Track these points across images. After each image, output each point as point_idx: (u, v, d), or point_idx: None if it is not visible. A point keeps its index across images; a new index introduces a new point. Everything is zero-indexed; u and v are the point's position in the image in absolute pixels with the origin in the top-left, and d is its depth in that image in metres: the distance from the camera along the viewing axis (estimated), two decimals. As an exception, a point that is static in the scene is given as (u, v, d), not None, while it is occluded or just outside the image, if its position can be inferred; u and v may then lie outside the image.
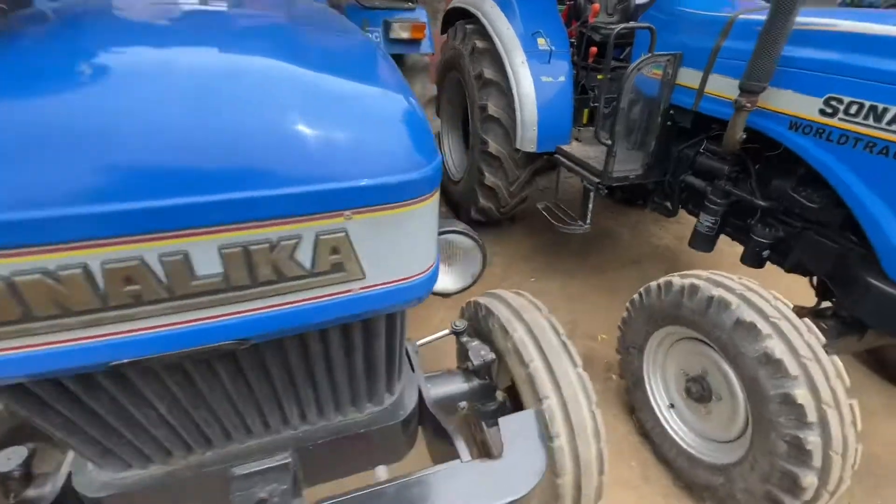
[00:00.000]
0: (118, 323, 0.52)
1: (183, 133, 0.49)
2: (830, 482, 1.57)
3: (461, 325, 1.87)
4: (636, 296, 2.30)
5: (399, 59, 3.28)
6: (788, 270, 2.36)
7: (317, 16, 1.22)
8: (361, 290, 0.64)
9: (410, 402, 1.24)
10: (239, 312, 0.58)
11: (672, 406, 2.26)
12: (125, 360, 0.53)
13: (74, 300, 0.49)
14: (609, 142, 2.79)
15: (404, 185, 0.60)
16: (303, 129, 0.55)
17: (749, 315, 1.70)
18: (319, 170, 0.54)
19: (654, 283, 2.18)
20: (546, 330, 1.68)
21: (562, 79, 3.29)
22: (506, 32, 3.31)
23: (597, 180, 2.95)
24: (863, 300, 1.88)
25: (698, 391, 2.03)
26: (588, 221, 3.11)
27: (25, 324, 0.48)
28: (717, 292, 1.83)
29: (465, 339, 1.85)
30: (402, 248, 0.65)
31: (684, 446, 2.13)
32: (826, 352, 1.62)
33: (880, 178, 1.76)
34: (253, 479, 1.05)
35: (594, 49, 3.53)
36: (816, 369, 1.56)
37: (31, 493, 1.31)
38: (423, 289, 0.71)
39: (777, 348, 1.60)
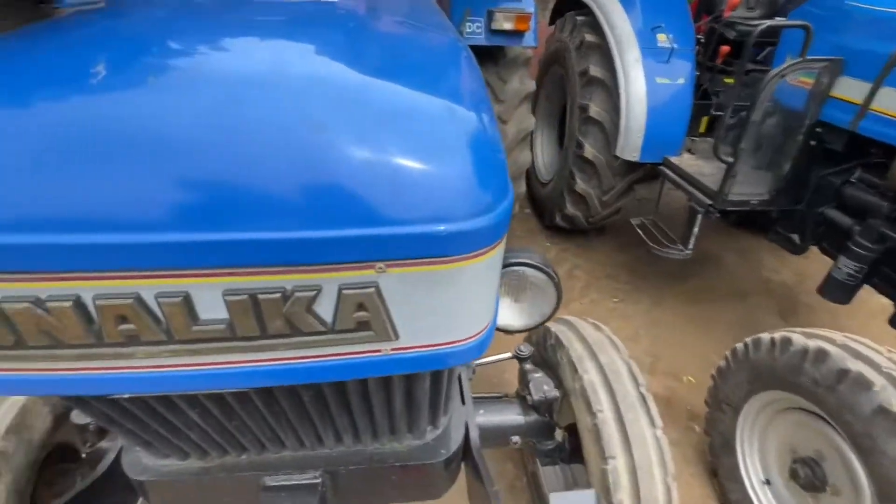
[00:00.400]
0: (115, 359, 0.47)
1: (188, 157, 0.40)
2: None
3: (526, 350, 1.71)
4: (740, 346, 1.94)
5: (500, 51, 3.11)
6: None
7: (403, 7, 1.12)
8: (393, 352, 0.53)
9: (455, 440, 1.12)
10: (247, 362, 0.49)
11: (768, 483, 1.90)
12: (125, 395, 0.48)
13: (66, 333, 0.43)
14: (730, 159, 2.38)
15: (457, 235, 0.46)
16: (333, 155, 0.43)
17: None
18: (347, 210, 0.42)
19: (766, 336, 1.82)
20: (623, 376, 1.45)
21: (681, 81, 2.89)
22: (621, 26, 2.98)
23: (708, 202, 2.55)
24: None
25: (808, 477, 1.67)
26: (690, 247, 2.73)
27: (19, 350, 0.43)
28: (855, 366, 1.45)
29: (528, 367, 1.68)
30: (449, 309, 0.51)
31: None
32: None
33: None
34: (281, 493, 1.01)
35: (726, 48, 3.06)
36: None
37: (103, 444, 1.42)
38: (471, 354, 0.57)
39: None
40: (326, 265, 0.44)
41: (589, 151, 3.26)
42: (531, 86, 3.13)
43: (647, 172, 3.21)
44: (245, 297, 0.44)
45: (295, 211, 0.42)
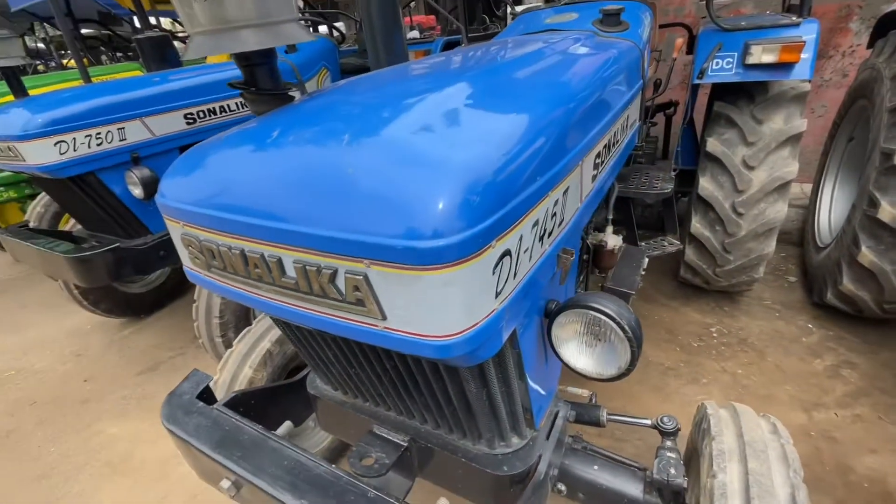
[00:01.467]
0: (254, 287, 0.84)
1: (287, 191, 0.74)
2: None
3: (670, 423, 1.52)
4: None
5: (760, 87, 2.68)
6: None
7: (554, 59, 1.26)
8: (386, 329, 0.72)
9: (522, 465, 1.16)
10: (306, 308, 0.78)
11: None
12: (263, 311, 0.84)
13: (237, 267, 0.82)
14: None
15: (420, 251, 0.62)
16: (347, 187, 0.67)
17: None
18: (344, 217, 0.65)
19: None
20: (776, 499, 1.13)
21: None
22: (971, 44, 2.10)
23: None
24: None
25: None
26: None
27: (224, 272, 0.86)
28: None
29: (668, 443, 1.49)
30: (424, 306, 0.66)
31: None
32: None
33: None
34: (375, 440, 1.30)
35: None
36: None
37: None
38: (457, 349, 0.70)
39: None
40: (338, 254, 0.68)
41: (887, 212, 2.40)
42: (800, 126, 2.56)
43: None
44: (302, 266, 0.73)
45: (321, 219, 0.68)
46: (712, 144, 2.73)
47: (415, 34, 5.61)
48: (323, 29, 5.72)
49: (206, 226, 0.84)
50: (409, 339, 0.71)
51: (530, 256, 0.83)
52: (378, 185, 0.67)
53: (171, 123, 2.87)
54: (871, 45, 3.23)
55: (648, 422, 1.55)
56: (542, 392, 1.28)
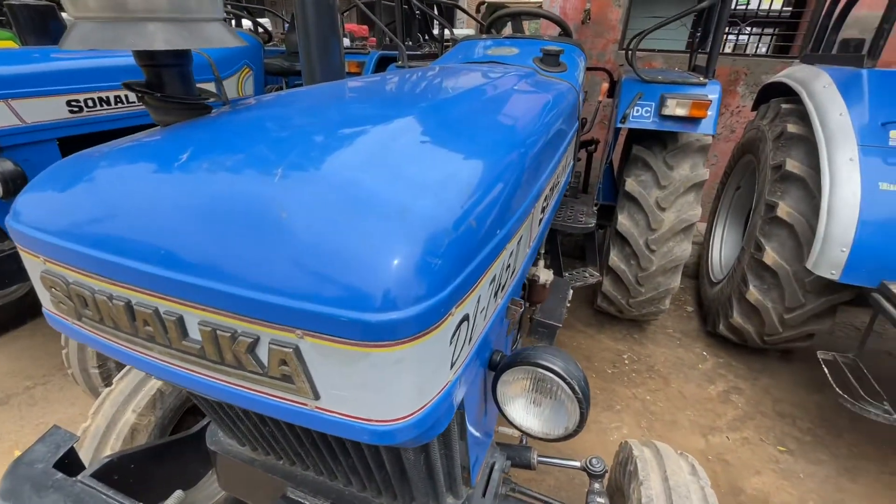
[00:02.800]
0: (143, 348, 0.65)
1: (192, 232, 0.57)
2: None
3: (598, 466, 1.51)
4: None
5: (671, 136, 2.93)
6: None
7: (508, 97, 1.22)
8: (317, 410, 0.59)
9: (458, 529, 1.07)
10: (211, 377, 0.62)
11: None
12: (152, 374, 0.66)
13: (121, 321, 0.64)
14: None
15: (369, 325, 0.51)
16: (279, 210, 0.54)
17: None
18: (273, 273, 0.52)
19: None
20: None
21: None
22: (836, 119, 2.48)
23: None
24: None
25: None
26: (885, 408, 1.98)
27: (101, 325, 0.66)
28: None
29: (596, 486, 1.48)
30: (368, 387, 0.55)
31: None
32: None
33: None
34: (293, 506, 1.13)
35: None
36: None
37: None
38: (403, 434, 0.59)
39: None
40: (261, 321, 0.55)
41: (770, 257, 2.72)
42: (703, 175, 2.83)
43: (852, 298, 2.49)
44: (210, 329, 0.57)
45: (240, 275, 0.54)
46: (630, 185, 2.92)
47: (346, 43, 5.44)
48: (246, 24, 5.32)
49: (78, 266, 0.64)
50: (346, 423, 0.58)
51: (485, 315, 0.75)
52: (320, 236, 0.54)
53: (48, 110, 2.41)
54: (755, 107, 3.73)
55: (577, 464, 1.54)
56: (480, 446, 1.20)
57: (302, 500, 1.13)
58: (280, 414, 0.61)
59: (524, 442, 1.64)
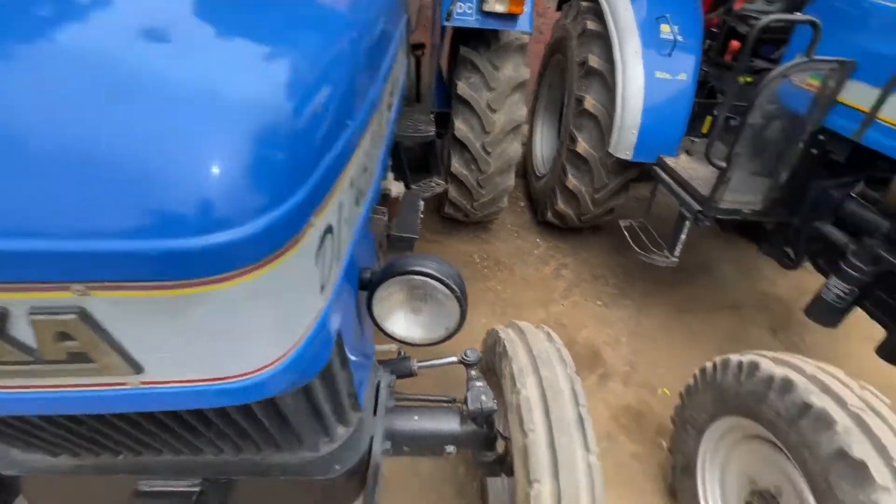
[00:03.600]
0: None
1: None
2: None
3: (472, 356, 1.61)
4: (709, 365, 1.82)
5: (493, 36, 2.95)
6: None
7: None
8: (144, 386, 0.43)
9: (355, 455, 1.04)
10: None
11: (724, 511, 1.79)
12: None
13: None
14: (723, 164, 2.22)
15: (194, 254, 0.36)
16: (30, 101, 0.34)
17: (862, 451, 1.20)
18: (26, 212, 0.33)
19: (735, 359, 1.69)
20: (564, 395, 1.35)
21: (682, 76, 2.71)
22: (623, 14, 2.79)
23: (697, 208, 2.40)
24: None
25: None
26: (676, 254, 2.58)
27: None
28: (820, 401, 1.33)
29: (473, 373, 1.59)
30: (211, 338, 0.41)
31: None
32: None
33: None
34: (155, 499, 0.94)
35: (736, 43, 2.85)
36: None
37: None
38: (274, 385, 0.47)
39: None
40: (6, 283, 0.34)
41: (582, 147, 3.10)
42: (525, 74, 2.96)
43: (643, 172, 3.04)
44: None
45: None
46: (462, 88, 2.92)
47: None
48: None
49: None
50: (192, 391, 0.44)
51: (351, 226, 0.64)
52: (100, 135, 0.34)
53: None
54: (559, 7, 3.98)
55: (454, 359, 1.63)
56: (363, 369, 1.15)
57: (162, 490, 0.94)
58: (91, 406, 0.43)
59: (402, 353, 1.66)
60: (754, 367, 1.58)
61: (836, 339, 3.08)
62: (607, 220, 3.67)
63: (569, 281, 3.49)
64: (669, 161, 2.75)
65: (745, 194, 2.34)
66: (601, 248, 3.85)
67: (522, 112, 3.02)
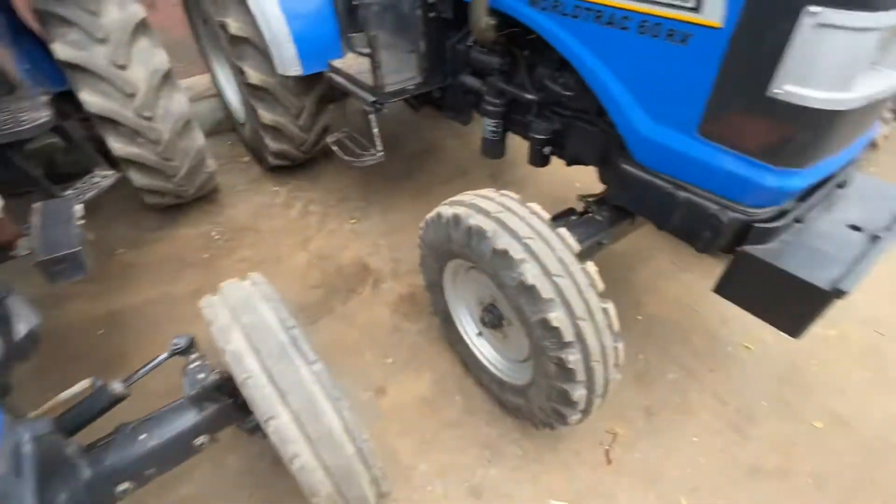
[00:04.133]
0: None
1: None
2: (597, 388, 1.56)
3: (182, 341, 1.46)
4: (420, 231, 2.04)
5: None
6: (569, 164, 2.25)
7: None
8: None
9: None
10: None
11: (480, 334, 2.17)
12: None
13: None
14: (367, 50, 2.31)
15: None
16: None
17: (503, 242, 1.51)
18: None
19: (428, 216, 1.92)
20: (270, 328, 1.33)
21: (306, -26, 2.62)
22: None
23: (371, 99, 2.50)
24: (619, 186, 1.82)
25: (491, 320, 1.92)
26: (379, 148, 2.71)
27: None
28: (474, 221, 1.61)
29: (192, 356, 1.45)
30: None
31: (494, 371, 2.07)
32: (579, 260, 1.51)
33: (613, 54, 1.57)
34: None
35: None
36: (569, 285, 1.45)
37: None
38: None
39: (530, 273, 1.45)
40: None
41: (254, 76, 2.86)
42: (137, 11, 2.47)
43: (329, 84, 2.99)
44: None
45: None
46: (63, 51, 2.31)
47: None
48: None
49: None
50: None
51: None
52: None
53: None
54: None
55: (165, 356, 1.45)
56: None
57: None
58: None
59: (99, 385, 1.40)
60: (437, 216, 1.82)
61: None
62: (331, 140, 3.62)
63: (319, 213, 3.44)
64: (337, 63, 2.76)
65: (403, 72, 2.52)
66: (337, 170, 3.85)
67: (162, 57, 2.58)
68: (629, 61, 1.53)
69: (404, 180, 3.76)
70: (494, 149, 2.47)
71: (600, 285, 1.50)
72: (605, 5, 1.50)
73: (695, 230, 1.58)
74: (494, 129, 2.38)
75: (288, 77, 2.84)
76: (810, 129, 1.25)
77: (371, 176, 3.77)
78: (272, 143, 3.28)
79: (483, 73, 2.35)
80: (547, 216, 1.59)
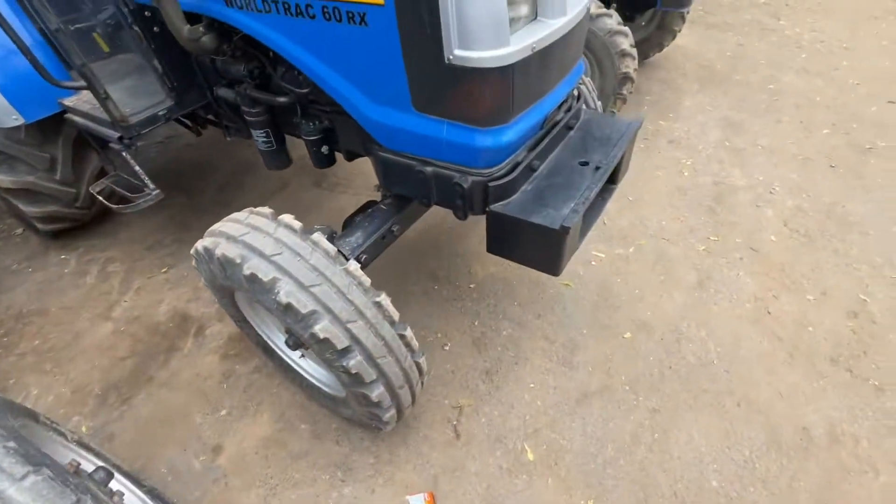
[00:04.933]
0: None
1: None
2: (396, 381, 1.55)
3: None
4: (194, 264, 1.83)
5: None
6: (347, 159, 2.18)
7: None
8: None
9: None
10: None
11: (303, 355, 2.05)
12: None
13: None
14: (82, 83, 1.98)
15: None
16: None
17: (250, 265, 1.39)
18: None
19: (192, 250, 1.72)
20: None
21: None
22: None
23: (116, 134, 2.18)
24: (381, 172, 1.80)
25: (294, 341, 1.80)
26: (151, 186, 2.39)
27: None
28: (221, 250, 1.47)
29: None
30: None
31: (325, 389, 1.98)
32: (338, 262, 1.46)
33: (315, 44, 1.51)
34: None
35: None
36: (328, 292, 1.39)
37: None
38: None
39: (283, 291, 1.36)
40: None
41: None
42: None
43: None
44: None
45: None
46: None
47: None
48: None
49: None
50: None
51: None
52: None
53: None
54: None
55: None
56: None
57: None
58: None
59: None
60: (197, 253, 1.64)
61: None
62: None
63: (122, 272, 3.00)
64: (69, 101, 2.36)
65: (148, 97, 2.23)
66: (141, 216, 3.38)
67: None
68: (330, 49, 1.47)
69: (220, 208, 3.43)
70: (276, 160, 2.32)
71: (366, 281, 1.47)
72: (287, -5, 1.41)
73: (451, 200, 1.61)
74: (266, 138, 2.22)
75: (16, 129, 2.37)
76: (492, 87, 1.31)
77: (182, 213, 3.39)
78: (31, 208, 2.76)
79: (235, 83, 2.17)
80: (298, 225, 1.50)
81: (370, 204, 2.10)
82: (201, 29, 1.73)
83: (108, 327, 2.67)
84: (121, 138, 2.18)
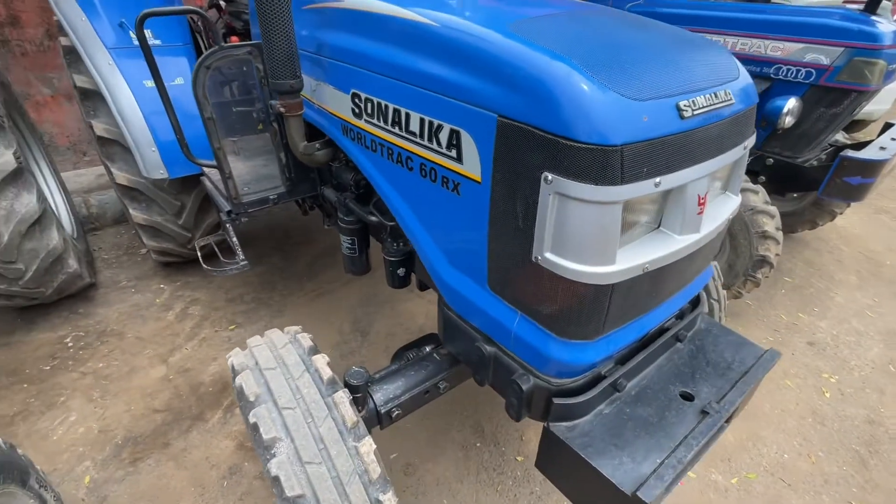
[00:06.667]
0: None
1: None
2: None
3: None
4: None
5: None
6: (420, 288, 2.05)
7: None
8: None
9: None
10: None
11: None
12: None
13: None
14: (212, 162, 2.17)
15: None
16: None
17: (258, 412, 1.24)
18: None
19: (228, 357, 1.64)
20: None
21: (179, 81, 2.57)
22: (81, 26, 2.45)
23: (227, 208, 2.33)
24: (441, 325, 1.60)
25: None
26: (241, 257, 2.50)
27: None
28: (240, 380, 1.34)
29: None
30: None
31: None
32: (355, 436, 1.23)
33: (408, 194, 1.43)
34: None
35: (235, 38, 2.87)
36: (324, 476, 1.16)
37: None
38: None
39: (275, 461, 1.16)
40: None
41: (121, 177, 2.71)
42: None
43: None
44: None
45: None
46: None
47: None
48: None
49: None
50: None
51: None
52: None
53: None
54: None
55: None
56: None
57: None
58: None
59: None
60: (232, 368, 1.55)
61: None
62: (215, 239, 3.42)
63: (198, 317, 3.14)
64: (207, 167, 2.62)
65: (267, 181, 2.38)
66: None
67: (8, 157, 2.41)
68: (420, 203, 1.38)
69: (306, 280, 3.53)
70: (355, 266, 2.28)
71: (374, 472, 1.21)
72: (392, 143, 1.37)
73: (504, 392, 1.34)
74: (350, 245, 2.20)
75: (161, 179, 2.70)
76: (581, 301, 1.06)
77: (270, 273, 3.55)
78: (150, 242, 3.07)
79: (341, 188, 2.22)
80: (328, 375, 1.33)
81: (430, 339, 1.91)
82: (317, 146, 1.79)
83: (161, 371, 2.73)
84: (229, 212, 2.33)
